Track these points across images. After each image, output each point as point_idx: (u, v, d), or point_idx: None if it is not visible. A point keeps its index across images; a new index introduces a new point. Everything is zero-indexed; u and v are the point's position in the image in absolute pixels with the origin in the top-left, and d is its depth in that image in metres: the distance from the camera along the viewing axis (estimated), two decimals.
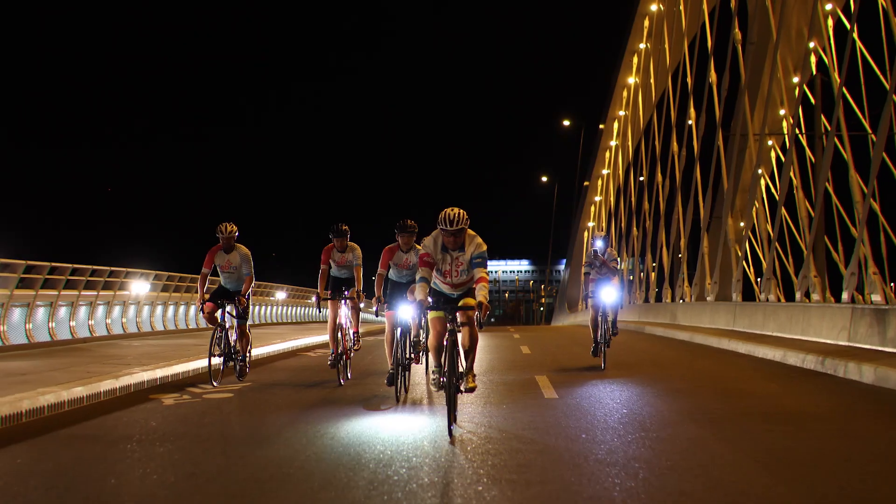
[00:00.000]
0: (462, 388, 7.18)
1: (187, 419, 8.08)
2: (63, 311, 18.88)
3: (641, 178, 42.20)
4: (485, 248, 7.22)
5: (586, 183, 59.65)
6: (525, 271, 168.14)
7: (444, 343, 7.15)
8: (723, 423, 7.49)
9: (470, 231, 7.26)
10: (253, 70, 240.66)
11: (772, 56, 26.08)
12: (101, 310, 20.66)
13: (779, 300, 21.38)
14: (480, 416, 7.86)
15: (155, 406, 9.02)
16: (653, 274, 37.25)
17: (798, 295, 18.70)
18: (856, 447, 6.43)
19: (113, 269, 20.82)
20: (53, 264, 17.90)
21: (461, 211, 7.08)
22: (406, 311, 9.62)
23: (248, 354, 11.18)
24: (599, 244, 13.14)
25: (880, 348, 12.43)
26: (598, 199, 56.68)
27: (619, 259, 14.23)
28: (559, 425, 7.37)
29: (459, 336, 7.14)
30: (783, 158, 26.28)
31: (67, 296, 18.81)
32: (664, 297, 33.88)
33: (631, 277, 43.38)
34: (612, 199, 51.99)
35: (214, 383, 10.44)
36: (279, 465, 5.80)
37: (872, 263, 17.18)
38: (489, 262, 7.37)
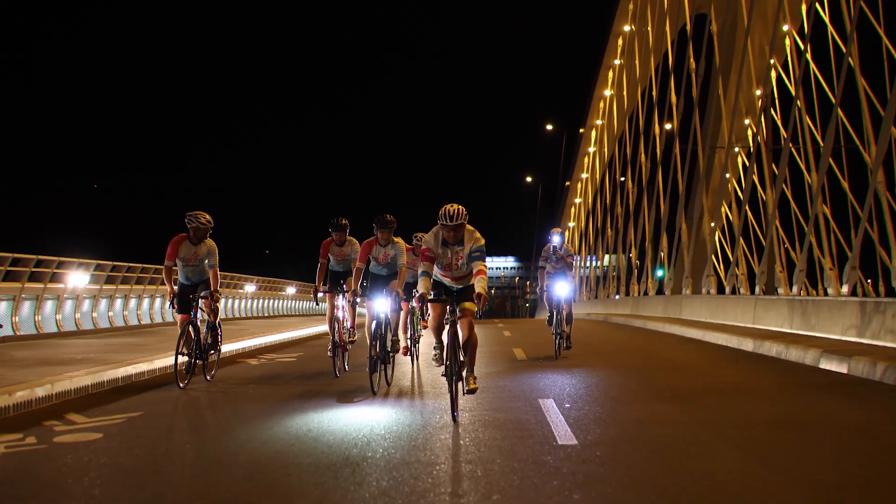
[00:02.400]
0: (463, 389, 7.35)
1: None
2: None
3: (623, 179, 46.04)
4: (483, 242, 7.45)
5: (567, 183, 63.55)
6: (511, 268, 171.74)
7: (445, 323, 7.47)
8: (627, 367, 11.41)
9: (468, 226, 7.46)
10: (253, 74, 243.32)
11: (737, 70, 29.67)
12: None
13: (738, 293, 25.32)
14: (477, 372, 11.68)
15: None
16: (622, 270, 41.26)
17: (728, 289, 22.68)
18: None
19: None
20: None
21: (460, 207, 7.31)
22: (383, 305, 9.62)
23: (219, 352, 10.58)
24: (556, 240, 13.36)
25: (805, 332, 16.12)
26: (577, 200, 60.64)
27: (574, 255, 13.82)
28: (524, 372, 11.27)
29: (458, 326, 7.34)
30: (748, 163, 29.94)
31: None
32: (631, 292, 37.84)
33: (615, 273, 47.39)
34: (590, 200, 55.95)
35: (181, 384, 9.50)
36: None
37: (829, 260, 20.53)
38: None
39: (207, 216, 9.81)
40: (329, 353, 10.83)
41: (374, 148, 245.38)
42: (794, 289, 17.42)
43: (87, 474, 5.47)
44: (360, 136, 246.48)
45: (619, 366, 12.16)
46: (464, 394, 7.36)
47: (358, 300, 10.55)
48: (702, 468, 5.36)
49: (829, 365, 10.96)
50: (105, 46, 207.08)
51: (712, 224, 27.23)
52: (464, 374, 7.35)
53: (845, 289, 14.87)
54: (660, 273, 33.67)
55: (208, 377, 10.22)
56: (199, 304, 10.02)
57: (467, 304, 7.34)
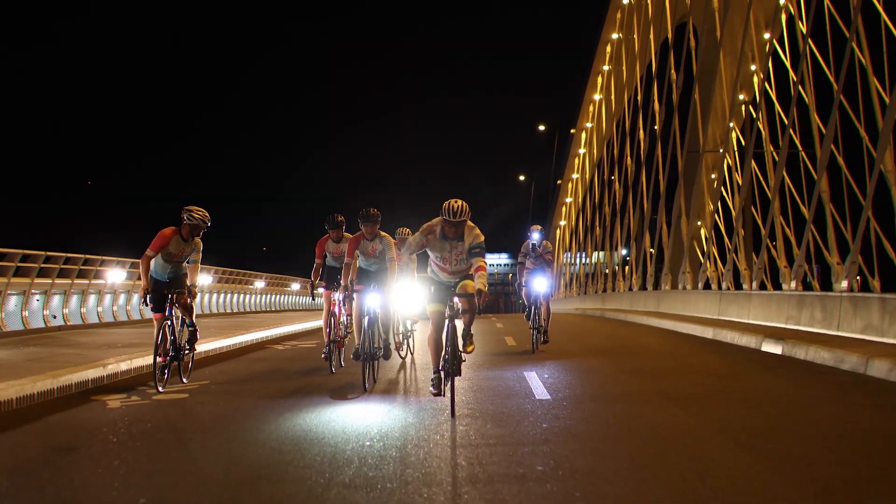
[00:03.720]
0: (462, 352, 7.47)
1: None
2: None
3: (613, 178, 48.13)
4: (482, 238, 7.47)
5: (559, 181, 65.73)
6: (504, 265, 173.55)
7: (444, 338, 7.38)
8: (601, 351, 13.54)
9: (469, 223, 7.48)
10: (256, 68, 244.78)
11: (720, 77, 31.67)
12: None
13: (728, 289, 27.47)
14: (473, 355, 13.78)
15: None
16: (608, 268, 43.44)
17: (700, 285, 24.86)
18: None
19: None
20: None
21: (464, 203, 7.31)
22: (373, 300, 9.53)
23: (194, 351, 10.11)
24: (535, 237, 13.56)
25: (759, 322, 18.46)
26: (568, 200, 62.83)
27: (553, 252, 14.14)
28: (513, 354, 13.40)
29: (458, 322, 7.45)
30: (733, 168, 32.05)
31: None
32: (617, 288, 40.01)
33: (605, 270, 49.56)
34: (580, 200, 58.12)
35: (160, 388, 9.01)
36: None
37: (783, 258, 22.71)
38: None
39: (207, 214, 9.23)
40: (324, 351, 10.84)
41: (371, 146, 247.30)
42: (754, 285, 19.63)
43: (188, 420, 7.61)
44: (360, 135, 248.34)
45: (595, 350, 14.32)
46: (461, 352, 7.42)
47: (343, 295, 10.64)
48: (641, 412, 7.47)
49: (769, 348, 13.11)
50: (101, 44, 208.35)
51: (698, 223, 29.32)
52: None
53: (793, 284, 17.04)
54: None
55: (184, 378, 9.73)
56: (177, 301, 9.38)
57: (466, 281, 7.49)
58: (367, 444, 6.15)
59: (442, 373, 7.39)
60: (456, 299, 7.43)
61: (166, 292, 9.25)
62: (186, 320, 9.66)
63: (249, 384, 10.06)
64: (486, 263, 7.34)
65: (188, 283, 9.44)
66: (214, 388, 9.56)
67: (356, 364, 9.87)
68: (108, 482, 5.15)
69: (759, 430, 6.54)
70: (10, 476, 5.43)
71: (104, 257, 21.57)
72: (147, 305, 9.19)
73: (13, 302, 17.87)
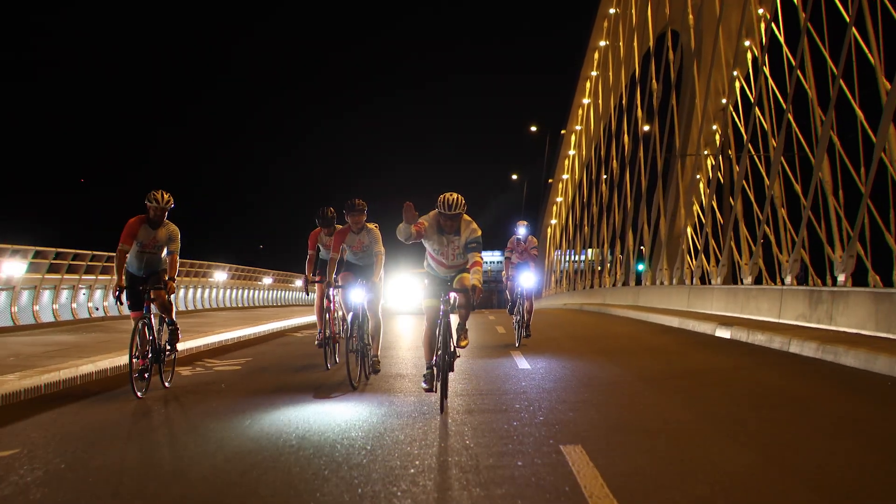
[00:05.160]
0: (456, 346, 7.46)
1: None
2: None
3: (605, 176, 50.28)
4: (479, 233, 7.41)
5: (550, 180, 68.10)
6: (498, 262, 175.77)
7: (437, 334, 7.33)
8: (579, 337, 15.82)
9: (466, 216, 7.41)
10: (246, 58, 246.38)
11: (705, 82, 33.66)
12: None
13: (713, 283, 29.77)
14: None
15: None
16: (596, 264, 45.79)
17: (675, 280, 27.20)
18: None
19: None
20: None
21: (459, 196, 7.26)
22: (358, 296, 9.26)
23: (176, 352, 9.35)
24: (521, 232, 13.81)
25: (719, 312, 20.75)
26: (559, 199, 65.22)
27: (539, 248, 14.47)
28: (503, 341, 15.67)
29: (453, 318, 7.44)
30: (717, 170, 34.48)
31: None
32: (603, 283, 42.34)
33: (600, 267, 51.94)
34: (570, 199, 60.50)
35: (139, 394, 8.32)
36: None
37: (745, 256, 25.11)
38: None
39: (167, 195, 8.75)
40: (317, 343, 10.83)
41: (368, 145, 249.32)
42: (718, 280, 21.99)
43: (245, 383, 9.87)
44: (357, 134, 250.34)
45: (573, 336, 16.59)
46: (456, 346, 7.47)
47: (332, 291, 10.44)
48: (604, 378, 9.74)
49: (721, 333, 15.39)
50: (82, 39, 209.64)
51: (677, 222, 31.66)
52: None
53: (748, 280, 19.38)
54: (640, 267, 38.06)
55: (166, 383, 9.09)
56: (151, 298, 8.76)
57: (463, 275, 7.49)
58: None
59: (434, 368, 7.34)
60: (452, 294, 7.43)
61: (142, 288, 8.74)
62: (166, 319, 9.09)
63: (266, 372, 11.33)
64: (482, 259, 7.34)
65: (167, 277, 8.87)
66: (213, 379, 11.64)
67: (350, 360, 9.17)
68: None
69: (680, 381, 8.82)
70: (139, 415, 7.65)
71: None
72: (121, 304, 8.64)
73: (64, 295, 20.40)
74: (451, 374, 7.50)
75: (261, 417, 7.18)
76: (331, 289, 10.25)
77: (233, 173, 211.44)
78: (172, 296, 9.08)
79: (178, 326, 9.29)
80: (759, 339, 13.45)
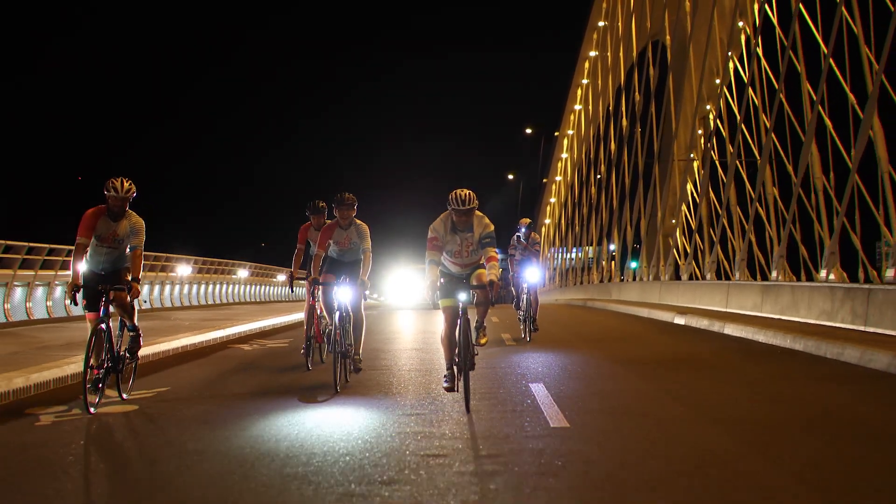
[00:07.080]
0: (475, 344, 7.49)
1: None
2: None
3: (598, 177, 53.45)
4: (492, 228, 7.37)
5: (545, 180, 71.27)
6: (501, 259, 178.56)
7: (457, 335, 7.25)
8: (570, 325, 19.06)
9: (478, 212, 7.38)
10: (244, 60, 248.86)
11: (690, 89, 36.43)
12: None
13: (698, 279, 32.96)
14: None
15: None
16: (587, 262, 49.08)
17: (651, 277, 30.42)
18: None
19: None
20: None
21: (471, 192, 7.22)
22: (345, 294, 8.98)
23: (137, 360, 8.54)
24: (523, 229, 14.30)
25: (682, 304, 23.92)
26: (552, 200, 68.47)
27: (540, 244, 15.05)
28: (502, 337, 18.91)
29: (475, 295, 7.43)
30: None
31: None
32: (593, 280, 45.60)
33: (581, 265, 55.28)
34: (562, 199, 63.79)
35: (92, 410, 7.41)
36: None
37: (708, 255, 28.18)
38: None
39: (128, 182, 7.84)
40: (303, 347, 10.57)
41: (366, 144, 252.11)
42: (686, 276, 25.26)
43: (284, 359, 12.96)
44: (355, 133, 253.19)
45: (557, 323, 19.79)
46: (475, 344, 7.45)
47: (312, 289, 10.18)
48: (567, 353, 12.94)
49: (679, 321, 18.61)
50: (96, 41, 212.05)
51: (673, 222, 34.66)
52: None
53: (708, 276, 22.65)
54: (633, 265, 40.96)
55: (124, 395, 8.21)
56: (111, 300, 7.77)
57: (480, 271, 7.49)
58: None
59: (455, 368, 7.28)
60: (463, 294, 7.31)
61: (101, 288, 7.77)
62: (127, 323, 8.19)
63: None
64: (497, 254, 7.29)
65: (129, 277, 7.86)
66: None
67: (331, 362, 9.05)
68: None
69: (636, 357, 12.06)
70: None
71: (178, 256, 28.55)
72: (76, 304, 7.68)
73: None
74: (471, 373, 7.40)
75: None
76: (313, 287, 9.94)
77: (232, 174, 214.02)
78: (138, 296, 8.14)
79: (141, 332, 8.42)
80: (704, 324, 16.72)
